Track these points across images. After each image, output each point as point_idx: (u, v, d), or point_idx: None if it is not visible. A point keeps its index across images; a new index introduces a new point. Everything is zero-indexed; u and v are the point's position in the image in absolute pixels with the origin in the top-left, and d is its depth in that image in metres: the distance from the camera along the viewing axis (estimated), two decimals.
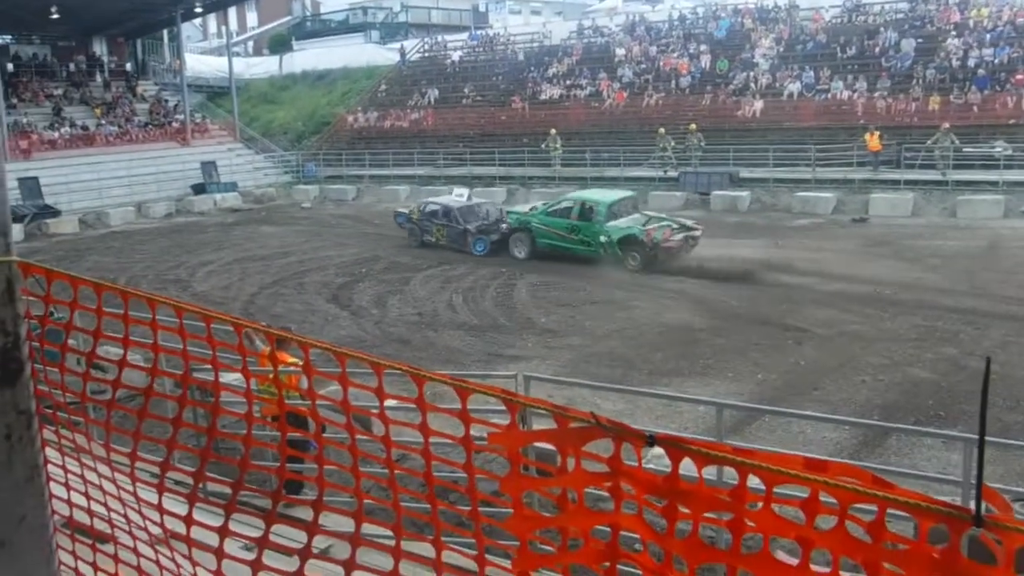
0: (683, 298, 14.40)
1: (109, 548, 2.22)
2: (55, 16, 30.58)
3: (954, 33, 25.68)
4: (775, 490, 1.12)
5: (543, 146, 27.84)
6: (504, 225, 18.96)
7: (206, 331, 1.75)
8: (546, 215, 18.23)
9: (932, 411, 9.08)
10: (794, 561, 1.11)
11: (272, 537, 1.80)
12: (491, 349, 12.09)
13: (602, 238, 17.04)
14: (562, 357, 11.59)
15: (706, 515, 1.16)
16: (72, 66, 34.97)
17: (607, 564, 1.26)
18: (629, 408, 9.16)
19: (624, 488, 1.21)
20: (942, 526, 1.00)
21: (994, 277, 14.77)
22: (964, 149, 21.80)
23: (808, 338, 11.93)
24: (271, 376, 5.02)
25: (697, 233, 17.20)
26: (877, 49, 26.57)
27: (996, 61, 24.14)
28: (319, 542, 2.06)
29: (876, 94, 24.72)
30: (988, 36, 24.99)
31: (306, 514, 1.86)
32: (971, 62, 24.34)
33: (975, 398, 9.35)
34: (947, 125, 21.89)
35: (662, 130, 26.02)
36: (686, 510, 1.16)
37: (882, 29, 27.22)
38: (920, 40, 26.12)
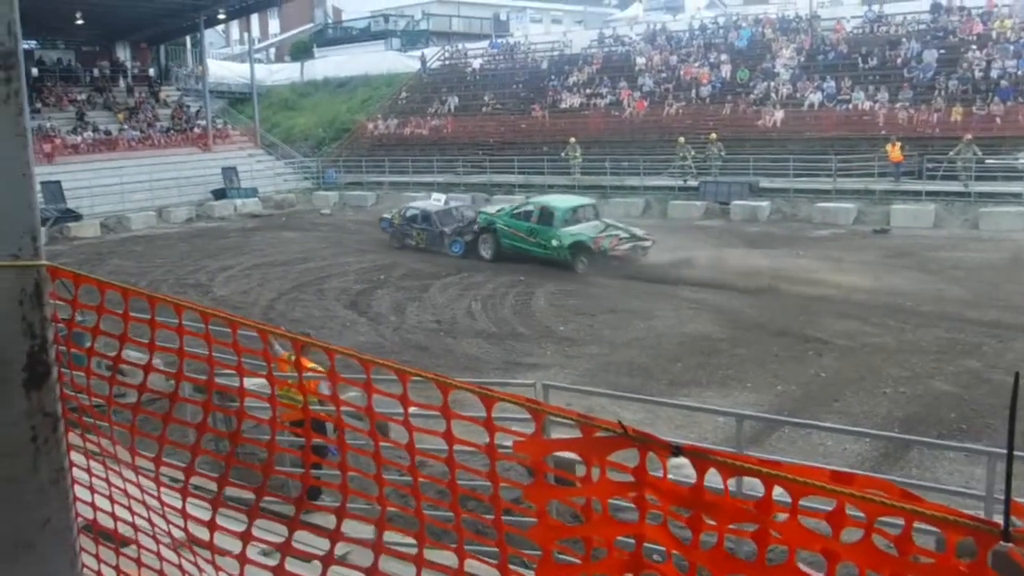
0: (703, 308, 14.32)
1: (132, 552, 2.24)
2: (80, 22, 31.13)
3: (976, 44, 25.46)
4: (800, 502, 1.12)
5: (563, 154, 27.87)
6: (476, 227, 19.71)
7: (231, 336, 1.77)
8: (510, 217, 18.94)
9: (954, 424, 8.96)
10: (819, 574, 1.11)
11: (295, 544, 1.82)
12: (509, 357, 12.09)
13: (554, 242, 17.81)
14: (580, 366, 11.57)
15: (731, 527, 1.16)
16: (96, 71, 35.53)
17: (630, 575, 1.26)
18: (648, 418, 9.12)
19: (649, 499, 1.22)
20: (969, 540, 0.99)
21: (1017, 289, 14.56)
22: (987, 160, 21.56)
23: (829, 349, 11.82)
24: (289, 381, 5.07)
25: (647, 244, 17.75)
26: (899, 60, 26.35)
27: (1019, 72, 23.88)
28: (340, 549, 2.07)
29: (898, 105, 24.51)
30: (1011, 47, 24.75)
31: (325, 520, 1.87)
32: (994, 73, 24.11)
33: (998, 412, 9.21)
34: (969, 136, 21.66)
35: (682, 139, 25.97)
36: (711, 521, 1.16)
37: (904, 40, 27.00)
38: (942, 51, 25.90)
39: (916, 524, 1.02)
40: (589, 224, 18.10)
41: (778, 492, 1.13)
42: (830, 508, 1.09)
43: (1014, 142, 22.13)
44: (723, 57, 29.95)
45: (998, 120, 22.79)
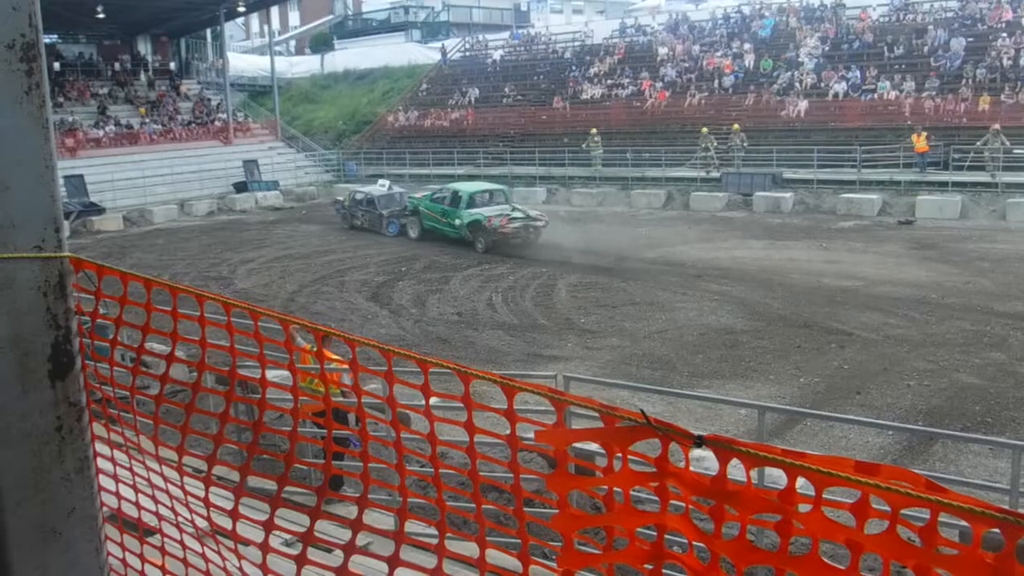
0: (724, 300, 14.22)
1: (156, 540, 2.27)
2: (101, 16, 31.38)
3: (1005, 32, 24.94)
4: (824, 494, 1.11)
5: (584, 146, 27.74)
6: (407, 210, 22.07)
7: (253, 328, 1.78)
8: (430, 201, 21.05)
9: (979, 417, 8.83)
10: (842, 565, 1.09)
11: (316, 533, 1.83)
12: (531, 349, 12.09)
13: (457, 221, 19.88)
14: (602, 358, 11.54)
15: (754, 517, 1.15)
16: (117, 65, 35.87)
17: (651, 565, 1.26)
18: (669, 410, 9.09)
19: (671, 489, 1.21)
20: (995, 531, 0.97)
21: None
22: (1015, 150, 21.14)
23: (852, 341, 11.69)
24: (313, 373, 5.11)
25: (539, 224, 19.39)
26: (926, 48, 25.90)
27: None
28: (361, 539, 2.08)
29: (924, 94, 24.11)
30: None
31: (347, 510, 1.88)
32: (1023, 62, 23.60)
33: (1022, 406, 9.08)
34: (997, 126, 21.25)
35: (705, 129, 25.78)
36: (734, 511, 1.15)
37: (931, 28, 26.52)
38: (970, 39, 25.41)
39: (942, 518, 1.01)
40: (492, 207, 19.80)
41: (802, 483, 1.11)
42: (854, 499, 1.08)
43: None
44: (746, 47, 29.61)
45: None
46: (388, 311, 14.63)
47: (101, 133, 30.86)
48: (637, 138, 28.11)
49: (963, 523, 0.97)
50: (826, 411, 8.71)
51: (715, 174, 25.04)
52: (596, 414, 1.22)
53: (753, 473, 1.18)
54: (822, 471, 1.02)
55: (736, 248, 18.56)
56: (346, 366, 1.85)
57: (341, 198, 24.76)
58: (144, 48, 38.18)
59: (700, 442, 1.11)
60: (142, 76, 36.46)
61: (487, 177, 28.75)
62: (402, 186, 25.44)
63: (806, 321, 12.73)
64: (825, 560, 1.10)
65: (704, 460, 1.22)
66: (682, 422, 8.97)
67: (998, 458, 7.24)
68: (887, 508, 1.03)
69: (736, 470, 1.16)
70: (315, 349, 5.74)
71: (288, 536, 1.96)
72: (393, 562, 1.66)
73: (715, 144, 25.37)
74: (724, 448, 1.10)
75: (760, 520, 1.17)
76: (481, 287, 15.99)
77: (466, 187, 20.95)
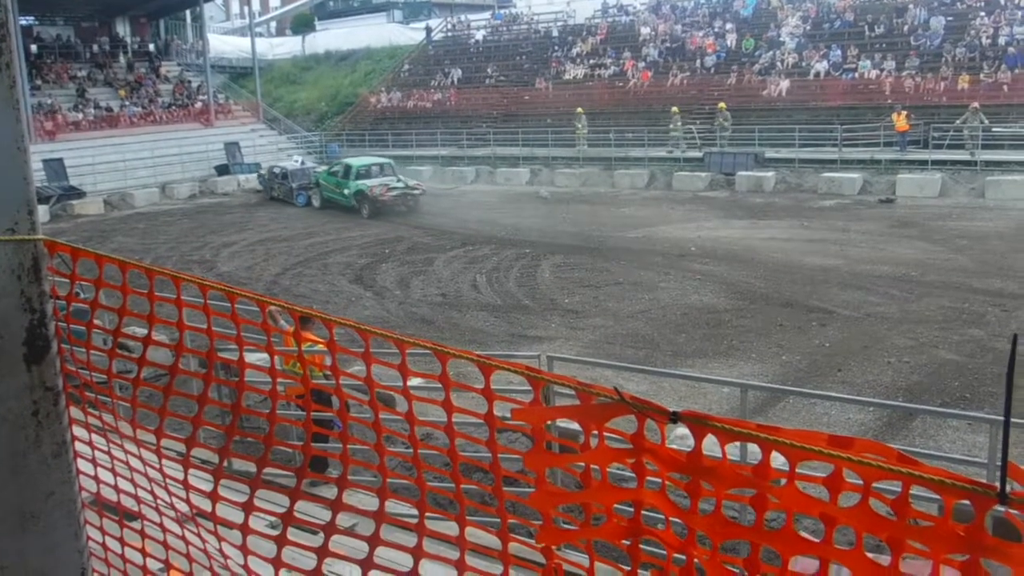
0: (707, 279, 14.30)
1: (136, 524, 2.26)
2: None
3: (984, 11, 25.07)
4: (799, 468, 1.12)
5: (578, 124, 27.50)
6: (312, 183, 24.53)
7: (231, 309, 1.76)
8: (328, 175, 23.56)
9: (958, 393, 8.98)
10: (817, 539, 1.11)
11: (297, 514, 1.83)
12: (515, 330, 12.12)
13: (346, 191, 22.38)
14: (585, 338, 11.59)
15: (730, 492, 1.16)
16: (96, 47, 35.24)
17: (629, 541, 1.27)
18: (653, 389, 9.16)
19: (647, 465, 1.21)
20: (966, 503, 0.99)
21: (1023, 258, 14.51)
22: (993, 129, 21.33)
23: (833, 320, 11.81)
24: (296, 355, 5.08)
25: (417, 192, 22.16)
26: (906, 27, 25.99)
27: None
28: (346, 520, 2.08)
29: (904, 73, 24.22)
30: (1020, 14, 24.39)
31: (331, 492, 1.88)
32: (1002, 40, 23.80)
33: (1001, 380, 9.22)
34: (976, 104, 21.41)
35: (675, 109, 25.84)
36: (710, 487, 1.16)
37: (911, 7, 26.61)
38: (950, 18, 25.53)
39: (920, 492, 1.02)
40: (376, 179, 22.19)
41: (781, 460, 1.12)
42: (828, 473, 1.09)
43: (1021, 110, 21.89)
44: (728, 26, 29.56)
45: (1005, 88, 22.51)
46: (372, 293, 14.60)
47: (80, 116, 30.36)
48: (620, 118, 28.05)
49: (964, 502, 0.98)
50: (808, 388, 8.81)
51: (685, 153, 25.25)
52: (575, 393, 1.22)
53: (737, 451, 1.19)
54: (795, 445, 1.03)
55: (719, 227, 18.65)
56: (324, 347, 1.84)
57: (263, 172, 27.21)
58: (123, 30, 37.48)
59: (675, 418, 1.12)
60: (121, 58, 35.84)
61: (471, 158, 28.70)
62: (313, 162, 27.87)
63: (788, 300, 12.84)
64: (800, 534, 1.11)
65: (688, 438, 1.22)
66: (666, 401, 9.05)
67: (976, 433, 7.37)
68: (860, 481, 1.04)
69: (713, 446, 1.17)
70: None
71: (273, 519, 1.96)
72: (374, 541, 1.67)
73: (682, 125, 25.39)
74: (699, 424, 1.11)
75: (736, 495, 1.18)
76: (465, 268, 15.97)
77: (356, 161, 23.47)
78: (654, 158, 25.68)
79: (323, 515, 1.80)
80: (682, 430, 1.18)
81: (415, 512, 1.68)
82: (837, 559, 1.09)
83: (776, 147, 24.16)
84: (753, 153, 24.08)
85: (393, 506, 1.75)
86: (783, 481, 1.10)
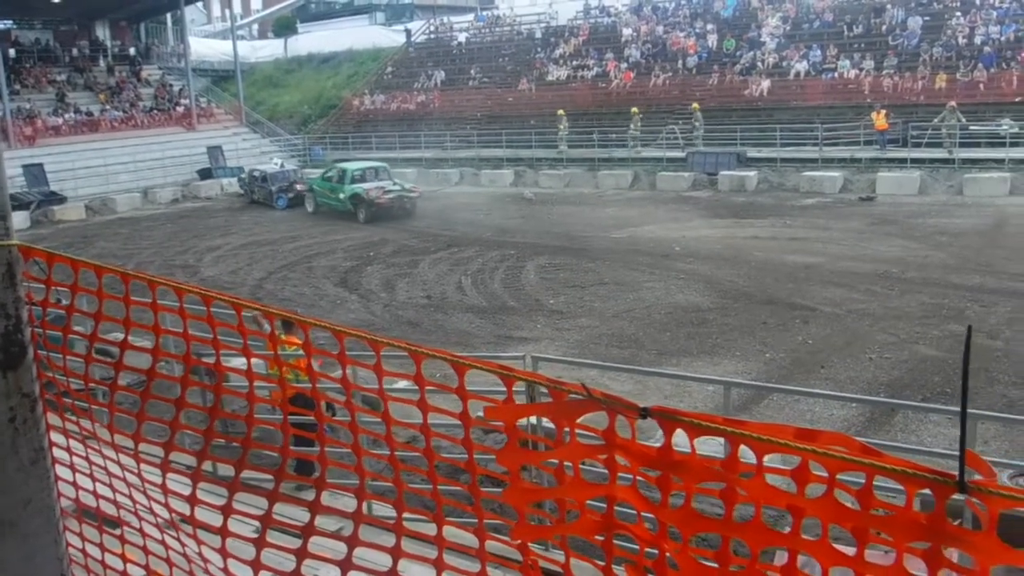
0: (691, 278, 14.38)
1: (116, 530, 2.25)
2: (56, 0, 30.43)
3: (960, 11, 25.42)
4: (770, 461, 1.14)
5: (560, 126, 27.50)
6: (299, 186, 24.69)
7: (206, 312, 1.76)
8: (322, 180, 23.24)
9: (938, 388, 9.08)
10: (786, 530, 1.12)
11: (277, 516, 1.83)
12: (500, 331, 12.12)
13: (341, 195, 21.98)
14: (571, 338, 11.61)
15: (699, 485, 1.17)
16: (75, 51, 34.88)
17: (602, 536, 1.28)
18: (638, 388, 9.19)
19: (619, 460, 1.23)
20: (927, 492, 1.01)
21: (1000, 254, 14.74)
22: (970, 127, 21.62)
23: (815, 317, 11.91)
24: (283, 360, 5.07)
25: (413, 195, 21.95)
26: (884, 27, 26.29)
27: (1002, 38, 23.93)
28: (331, 524, 2.08)
29: (883, 72, 24.48)
30: (995, 13, 24.74)
31: (314, 494, 1.87)
32: (977, 39, 24.14)
33: (981, 374, 9.35)
34: (953, 103, 21.70)
35: (635, 110, 26.12)
36: (679, 481, 1.18)
37: (889, 7, 26.93)
38: (927, 18, 25.86)
39: (886, 484, 1.04)
40: (372, 182, 21.89)
41: (771, 458, 1.14)
42: (795, 465, 1.11)
43: (997, 108, 22.23)
44: (709, 27, 29.75)
45: (981, 86, 22.83)
46: (357, 296, 14.55)
47: (60, 121, 30.04)
48: (603, 119, 28.14)
49: (926, 492, 1.00)
50: (792, 385, 8.88)
51: (632, 154, 25.82)
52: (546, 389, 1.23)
53: (722, 448, 1.20)
54: (761, 438, 1.05)
55: (702, 227, 18.75)
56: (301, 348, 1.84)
57: (243, 175, 27.07)
58: (102, 33, 37.13)
59: (645, 414, 1.13)
60: (101, 62, 35.52)
61: (455, 160, 28.69)
62: (292, 165, 28.16)
63: (771, 298, 12.93)
64: (767, 526, 1.12)
65: (680, 435, 1.23)
66: (651, 400, 9.11)
67: (956, 427, 7.45)
68: (826, 473, 1.06)
69: (715, 446, 1.18)
70: (281, 335, 5.67)
71: (256, 523, 1.96)
72: (352, 542, 1.67)
73: (640, 125, 25.82)
74: (668, 419, 1.12)
75: (705, 488, 1.20)
76: (450, 270, 15.96)
77: (351, 165, 23.16)
78: (638, 158, 25.80)
79: (303, 517, 1.80)
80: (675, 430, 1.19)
81: (394, 512, 1.68)
82: (804, 550, 1.11)
83: (758, 146, 24.35)
84: (735, 153, 24.25)
85: (374, 507, 1.76)
86: (752, 474, 1.11)
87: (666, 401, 8.92)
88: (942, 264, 14.30)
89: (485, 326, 12.40)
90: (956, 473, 0.95)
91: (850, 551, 1.07)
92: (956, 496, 0.94)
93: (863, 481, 1.04)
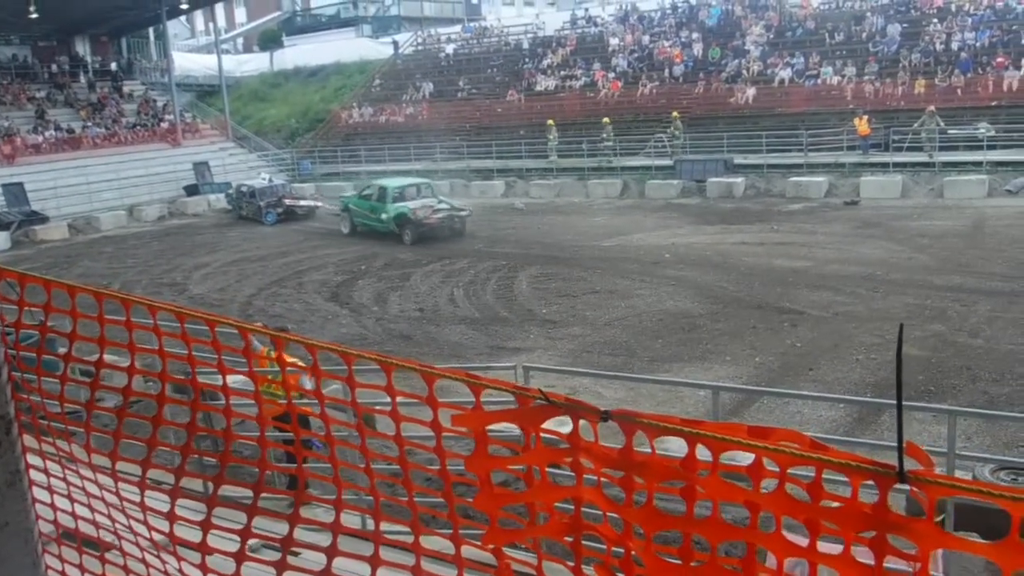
0: (681, 285, 14.45)
1: (96, 552, 2.24)
2: (34, 15, 30.07)
3: (937, 18, 25.83)
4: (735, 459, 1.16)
5: (549, 137, 27.61)
6: (287, 200, 24.72)
7: (181, 330, 1.77)
8: (359, 198, 21.64)
9: (923, 386, 9.17)
10: (743, 527, 1.15)
11: (256, 530, 1.83)
12: (493, 342, 12.12)
13: (384, 216, 20.30)
14: (564, 347, 11.64)
15: (661, 484, 1.20)
16: (54, 67, 34.50)
17: (571, 537, 1.30)
18: (631, 396, 9.21)
19: (584, 463, 1.25)
20: (913, 494, 1.03)
21: (979, 255, 14.96)
22: (949, 131, 21.93)
23: (803, 320, 12.00)
24: (271, 377, 5.06)
25: (463, 214, 20.11)
26: (864, 34, 26.67)
27: (978, 44, 24.33)
28: (309, 536, 2.08)
29: (864, 79, 24.80)
30: (970, 20, 25.17)
31: (311, 512, 1.88)
32: (954, 46, 24.54)
33: (963, 373, 9.46)
34: (932, 108, 22.03)
35: (606, 120, 26.49)
36: (641, 481, 1.20)
37: (868, 14, 27.35)
38: (905, 25, 26.27)
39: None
40: (418, 200, 20.32)
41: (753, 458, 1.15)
42: (750, 463, 1.13)
43: (974, 112, 22.57)
44: (695, 36, 30.02)
45: (959, 91, 23.19)
46: (348, 310, 14.52)
47: (41, 138, 29.70)
48: (592, 128, 28.28)
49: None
50: (781, 388, 8.94)
51: (603, 163, 26.08)
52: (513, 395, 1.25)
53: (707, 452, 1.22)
54: (716, 437, 1.07)
55: (691, 234, 18.86)
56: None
57: (231, 191, 26.79)
58: (83, 48, 36.83)
59: (606, 417, 1.16)
60: (82, 78, 35.16)
61: (445, 171, 28.71)
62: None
63: (760, 302, 13.01)
64: (726, 521, 1.15)
65: (666, 441, 1.26)
66: (644, 406, 9.12)
67: (940, 424, 7.51)
68: (778, 468, 1.09)
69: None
70: (271, 353, 5.62)
71: (236, 537, 1.96)
72: (331, 553, 1.68)
73: (612, 134, 26.08)
74: (627, 421, 1.15)
75: (666, 487, 1.22)
76: (442, 282, 15.97)
77: (392, 182, 21.51)
78: (627, 167, 25.95)
79: (283, 530, 1.81)
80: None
81: (372, 522, 1.69)
82: (761, 543, 1.14)
83: (745, 153, 24.53)
84: (723, 160, 24.42)
85: (353, 518, 1.77)
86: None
87: (659, 407, 8.95)
88: (924, 266, 14.47)
89: (478, 337, 12.41)
90: (897, 465, 0.97)
91: (804, 542, 1.10)
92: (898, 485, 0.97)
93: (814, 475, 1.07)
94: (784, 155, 23.94)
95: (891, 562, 1.02)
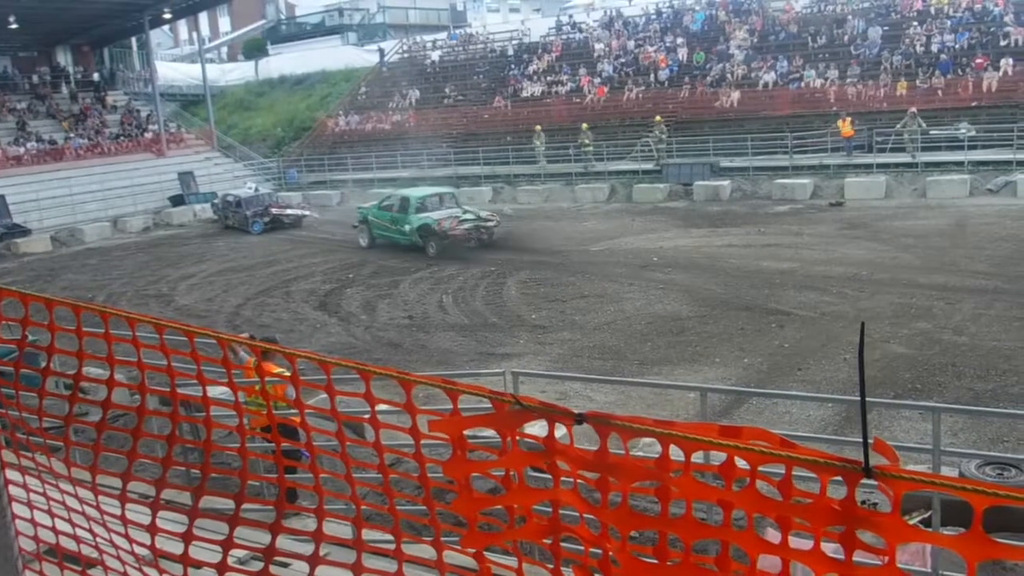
0: (669, 288, 14.50)
1: (78, 567, 2.22)
2: (13, 26, 29.80)
3: (917, 20, 26.15)
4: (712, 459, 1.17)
5: (536, 142, 27.60)
6: (274, 210, 24.59)
7: (159, 341, 1.77)
8: (379, 209, 20.55)
9: (909, 384, 9.24)
10: (717, 524, 1.16)
11: (239, 541, 1.82)
12: (483, 348, 12.10)
13: (407, 227, 19.40)
14: (553, 352, 11.64)
15: (635, 485, 1.21)
16: (35, 78, 34.18)
17: (550, 539, 1.31)
18: (621, 399, 9.22)
19: (560, 465, 1.26)
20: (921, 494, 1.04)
21: (963, 253, 15.12)
22: (931, 132, 22.19)
23: (791, 321, 12.06)
24: (257, 388, 5.05)
25: (491, 224, 19.16)
26: (846, 38, 26.97)
27: (957, 46, 24.64)
28: (293, 545, 2.08)
29: (847, 81, 25.05)
30: (949, 22, 25.50)
31: (302, 521, 1.87)
32: (934, 48, 24.86)
33: (949, 370, 9.54)
34: (914, 109, 22.28)
35: (585, 125, 26.63)
36: (616, 482, 1.21)
37: (850, 18, 27.64)
38: (886, 27, 26.59)
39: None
40: (442, 211, 19.46)
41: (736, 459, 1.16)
42: (722, 462, 1.14)
43: (955, 113, 22.87)
44: (679, 40, 30.20)
45: (940, 92, 23.51)
46: (337, 319, 14.46)
47: (22, 150, 29.35)
48: (579, 134, 28.35)
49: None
50: (770, 388, 8.98)
51: (589, 170, 26.21)
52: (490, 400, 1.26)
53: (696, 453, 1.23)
54: (688, 437, 1.08)
55: (679, 237, 18.94)
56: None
57: (217, 200, 26.64)
58: (64, 59, 36.50)
59: (581, 420, 1.17)
60: (64, 88, 34.83)
61: (432, 179, 28.65)
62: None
63: (747, 304, 13.07)
64: (699, 520, 1.16)
65: (653, 445, 1.27)
66: (634, 410, 9.12)
67: (927, 421, 7.55)
68: (748, 466, 1.10)
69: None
70: (252, 364, 5.58)
71: (218, 548, 1.95)
72: (314, 562, 1.68)
73: (592, 139, 26.19)
74: (602, 423, 1.16)
75: (641, 488, 1.23)
76: (431, 289, 15.94)
77: (414, 192, 20.53)
78: (614, 171, 26.05)
79: (266, 540, 1.80)
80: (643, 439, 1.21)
81: (350, 528, 1.69)
82: (735, 541, 1.15)
83: (730, 156, 24.69)
84: (709, 163, 24.57)
85: (334, 526, 1.77)
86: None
87: (649, 410, 8.96)
88: (909, 265, 14.60)
89: (468, 344, 12.39)
90: (864, 461, 0.99)
91: (777, 537, 1.11)
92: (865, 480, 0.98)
93: (784, 472, 1.08)
94: (769, 158, 24.13)
95: (860, 556, 1.04)
